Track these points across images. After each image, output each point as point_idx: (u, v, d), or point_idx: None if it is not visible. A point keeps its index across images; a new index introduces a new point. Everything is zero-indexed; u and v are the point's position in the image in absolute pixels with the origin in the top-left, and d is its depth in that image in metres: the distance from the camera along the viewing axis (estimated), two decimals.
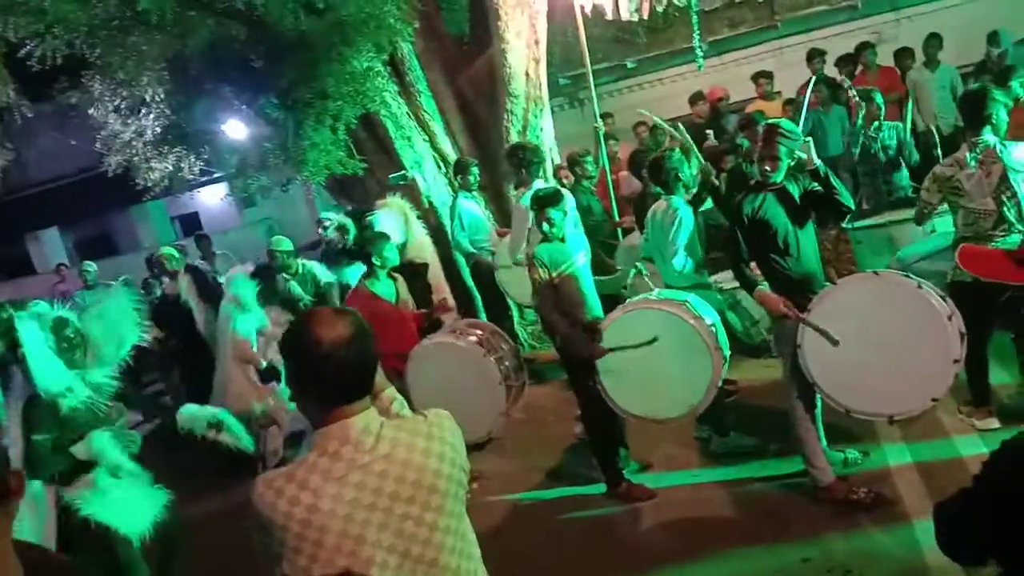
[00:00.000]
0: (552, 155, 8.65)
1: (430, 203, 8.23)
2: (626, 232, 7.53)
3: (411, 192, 8.00)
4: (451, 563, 1.77)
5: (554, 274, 4.41)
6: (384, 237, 5.10)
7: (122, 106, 10.29)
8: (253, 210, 15.92)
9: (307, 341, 1.74)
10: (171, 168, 11.02)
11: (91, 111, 10.76)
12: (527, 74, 8.08)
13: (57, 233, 17.80)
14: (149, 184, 11.28)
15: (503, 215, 8.33)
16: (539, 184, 5.83)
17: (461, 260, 7.78)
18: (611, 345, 4.34)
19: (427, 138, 8.34)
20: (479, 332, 5.03)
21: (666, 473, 4.91)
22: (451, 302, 5.69)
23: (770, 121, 4.30)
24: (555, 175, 7.96)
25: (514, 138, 8.24)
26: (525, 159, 6.11)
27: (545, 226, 4.44)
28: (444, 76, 8.42)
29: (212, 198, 17.82)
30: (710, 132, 9.04)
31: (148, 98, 9.86)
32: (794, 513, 4.14)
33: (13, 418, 3.98)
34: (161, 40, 8.11)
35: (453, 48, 8.59)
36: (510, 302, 7.60)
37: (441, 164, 8.42)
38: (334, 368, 1.74)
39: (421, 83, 8.23)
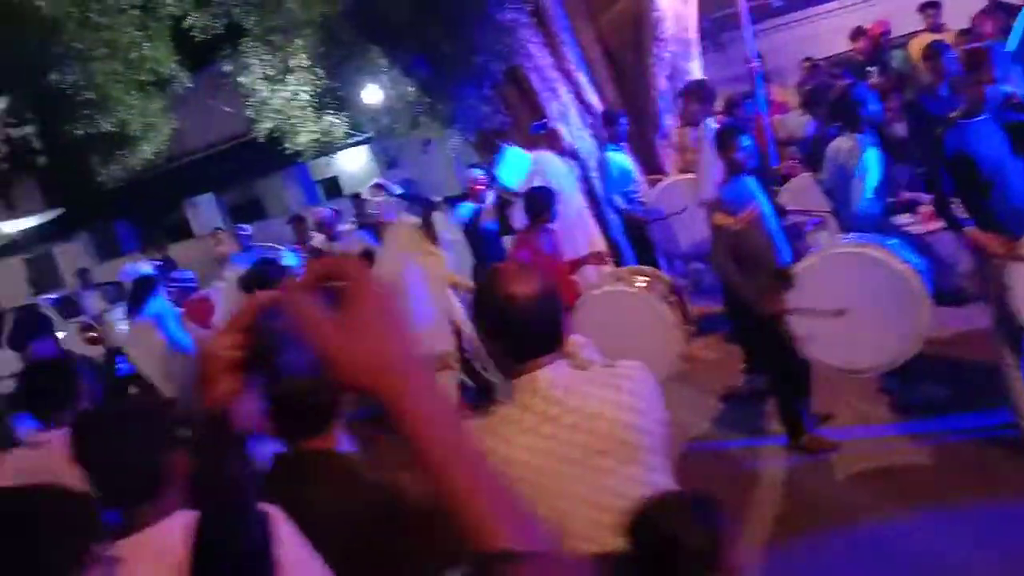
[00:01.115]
0: None
1: (575, 155, 8.14)
2: (786, 178, 7.20)
3: (553, 143, 7.93)
4: None
5: (740, 216, 4.25)
6: (553, 193, 5.09)
7: (271, 72, 10.70)
8: (395, 171, 16.30)
9: (500, 296, 1.76)
10: (318, 132, 11.43)
11: (242, 79, 11.23)
12: (676, 16, 7.80)
13: (212, 198, 18.88)
14: (298, 148, 11.73)
15: (651, 166, 8.14)
16: (711, 122, 5.63)
17: (611, 213, 7.67)
18: (800, 302, 4.16)
19: (572, 89, 8.22)
20: (645, 277, 4.95)
21: (852, 426, 4.71)
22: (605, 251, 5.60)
23: (975, 46, 3.96)
24: None
25: (662, 85, 8.01)
26: (705, 95, 5.89)
27: (740, 155, 4.28)
28: (588, 24, 8.25)
29: (351, 163, 18.39)
30: (873, 69, 8.49)
31: (298, 64, 10.23)
32: (1002, 467, 3.87)
33: None
34: (312, 3, 8.31)
35: None
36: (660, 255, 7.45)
37: (586, 115, 8.29)
38: (527, 322, 1.75)
39: (565, 33, 8.10)
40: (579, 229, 6.64)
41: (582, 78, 8.23)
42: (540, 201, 4.98)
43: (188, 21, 8.85)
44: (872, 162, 4.53)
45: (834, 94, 4.92)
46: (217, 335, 0.79)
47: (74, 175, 22.30)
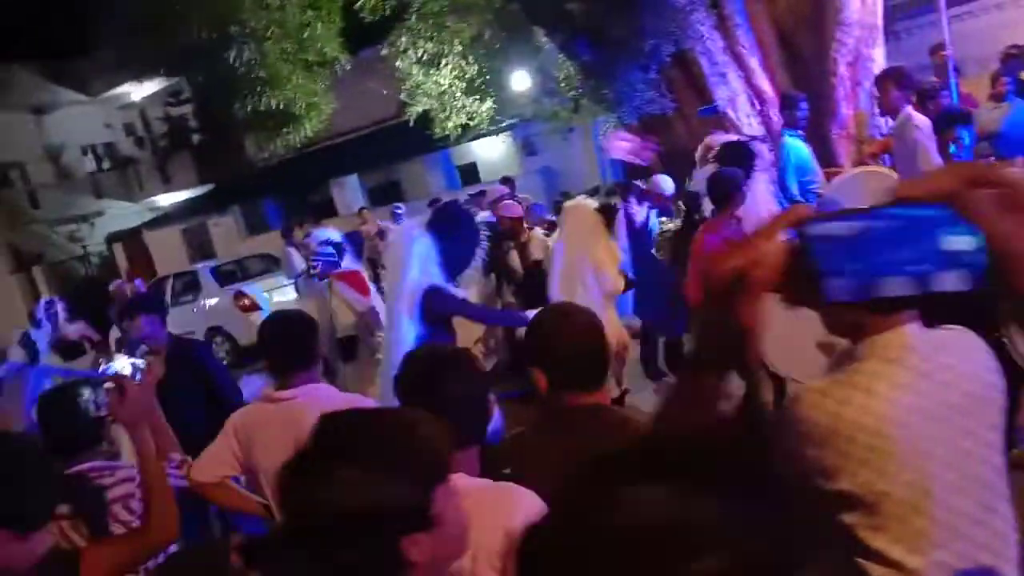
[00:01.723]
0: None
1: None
2: None
3: (722, 128, 7.65)
4: (999, 486, 1.59)
5: None
6: (739, 177, 4.87)
7: (428, 56, 10.84)
8: (533, 159, 16.35)
9: None
10: (467, 115, 11.50)
11: (399, 63, 11.40)
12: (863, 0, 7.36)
13: (356, 179, 19.47)
14: (446, 132, 11.84)
15: (825, 156, 7.74)
16: (910, 110, 5.24)
17: (784, 202, 7.33)
18: None
19: (742, 73, 7.90)
20: None
21: None
22: None
23: None
24: None
25: (842, 71, 7.59)
26: (906, 82, 5.47)
27: (952, 147, 3.98)
28: (763, 5, 7.91)
29: (489, 150, 18.55)
30: None
31: (453, 49, 10.33)
32: None
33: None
34: None
35: None
36: None
37: (756, 101, 7.96)
38: None
39: (740, 15, 7.79)
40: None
41: (753, 62, 7.90)
42: (725, 185, 4.76)
43: (360, 2, 9.05)
44: None
45: None
46: (752, 244, 0.68)
47: (227, 153, 23.56)
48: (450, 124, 11.57)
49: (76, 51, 23.73)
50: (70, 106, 26.09)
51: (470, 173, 18.96)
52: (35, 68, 24.88)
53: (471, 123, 11.58)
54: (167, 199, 27.01)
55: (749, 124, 7.85)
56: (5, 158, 24.65)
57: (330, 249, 9.07)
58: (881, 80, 5.56)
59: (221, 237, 19.57)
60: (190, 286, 14.20)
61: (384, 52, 11.58)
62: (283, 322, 2.90)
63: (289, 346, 2.79)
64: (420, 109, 11.65)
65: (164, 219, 24.86)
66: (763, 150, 5.95)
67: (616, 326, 5.67)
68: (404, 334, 3.75)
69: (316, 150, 17.62)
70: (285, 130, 10.61)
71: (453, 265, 3.90)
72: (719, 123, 7.72)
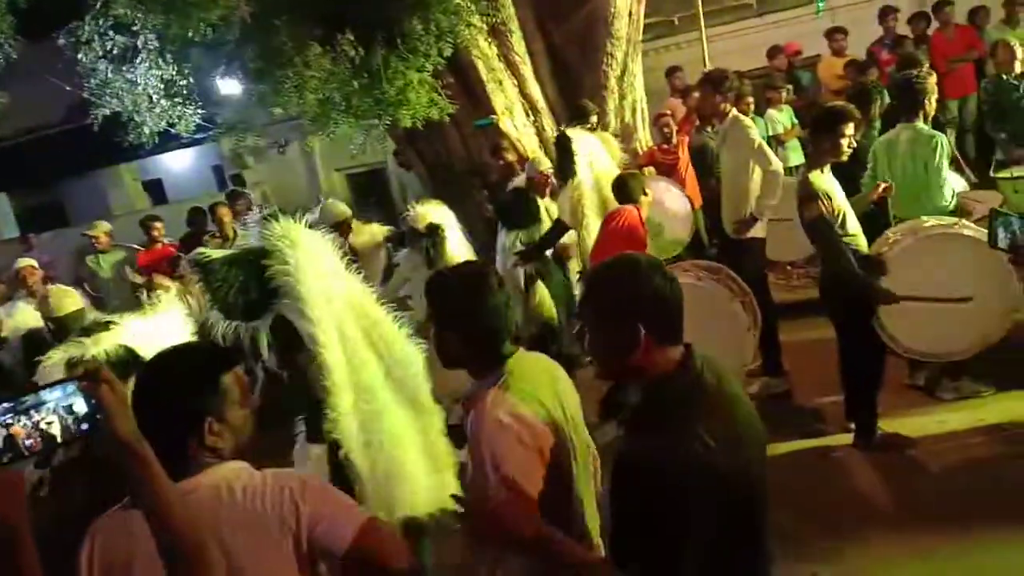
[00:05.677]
0: (642, 105, 8.23)
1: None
2: None
3: (499, 138, 7.39)
4: None
5: (834, 204, 4.06)
6: None
7: (115, 51, 9.13)
8: (243, 173, 14.71)
9: None
10: (165, 122, 9.93)
11: (80, 56, 9.52)
12: (630, 14, 7.61)
13: (7, 199, 15.90)
14: (142, 140, 10.12)
15: None
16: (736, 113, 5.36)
17: None
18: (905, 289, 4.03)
19: (516, 82, 7.74)
20: (716, 274, 4.56)
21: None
22: None
23: None
24: (656, 123, 7.59)
25: (612, 84, 7.77)
26: (727, 86, 5.48)
27: (844, 142, 4.09)
28: (533, 15, 7.83)
29: (177, 164, 16.46)
30: (790, 87, 8.83)
31: (149, 42, 8.83)
32: None
33: None
34: None
35: None
36: None
37: (530, 112, 7.84)
38: None
39: (513, 22, 7.62)
40: None
41: (527, 71, 7.78)
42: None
43: None
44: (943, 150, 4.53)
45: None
46: None
47: None
48: (147, 130, 9.88)
49: None
50: None
51: (156, 191, 16.58)
52: None
53: (172, 128, 10.00)
54: None
55: (526, 133, 7.70)
56: None
57: None
58: (701, 84, 5.65)
59: None
60: None
61: (61, 42, 9.55)
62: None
63: None
64: (108, 111, 9.77)
65: None
66: None
67: None
68: None
69: None
70: None
71: None
72: (496, 135, 7.45)
